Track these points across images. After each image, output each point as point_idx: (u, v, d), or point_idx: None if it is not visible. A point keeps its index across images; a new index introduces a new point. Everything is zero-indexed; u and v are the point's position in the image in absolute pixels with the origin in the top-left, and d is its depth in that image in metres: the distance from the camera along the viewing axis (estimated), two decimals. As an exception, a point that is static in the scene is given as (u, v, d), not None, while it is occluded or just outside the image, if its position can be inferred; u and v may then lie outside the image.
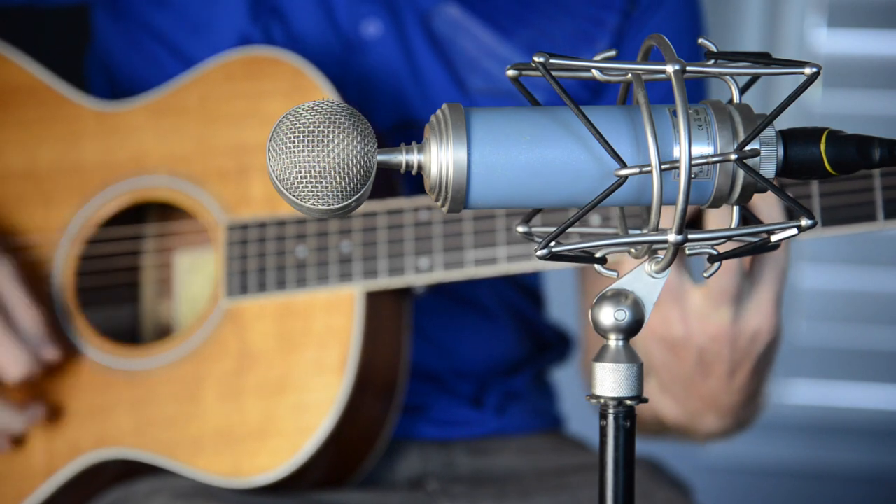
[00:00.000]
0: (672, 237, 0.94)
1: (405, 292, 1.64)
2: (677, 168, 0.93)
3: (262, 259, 1.62)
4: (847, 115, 3.03)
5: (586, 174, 0.96)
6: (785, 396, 3.16)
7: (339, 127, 0.94)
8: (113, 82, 1.80)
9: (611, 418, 0.98)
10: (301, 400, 1.59)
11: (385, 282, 1.59)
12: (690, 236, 0.95)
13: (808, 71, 0.94)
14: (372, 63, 1.71)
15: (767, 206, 1.41)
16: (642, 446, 1.71)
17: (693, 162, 0.94)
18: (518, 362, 1.84)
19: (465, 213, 1.58)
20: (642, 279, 0.99)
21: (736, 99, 0.98)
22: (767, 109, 0.96)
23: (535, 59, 0.94)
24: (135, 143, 1.69)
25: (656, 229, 0.96)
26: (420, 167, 0.96)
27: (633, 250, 1.01)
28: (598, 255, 1.00)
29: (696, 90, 1.77)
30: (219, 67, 1.67)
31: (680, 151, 0.93)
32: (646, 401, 0.99)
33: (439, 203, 0.96)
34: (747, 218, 1.04)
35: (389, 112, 1.72)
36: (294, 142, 0.93)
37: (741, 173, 0.96)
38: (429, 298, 1.71)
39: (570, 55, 0.96)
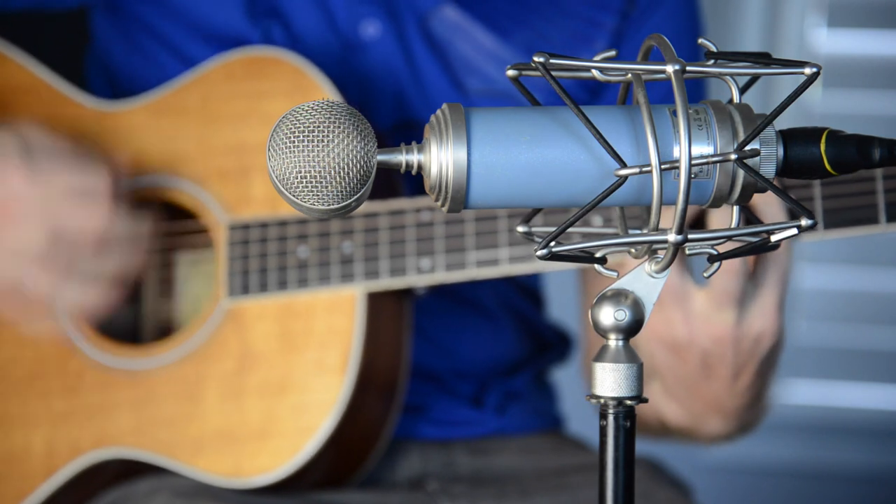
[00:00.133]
0: (672, 237, 0.94)
1: (406, 293, 1.64)
2: (677, 168, 0.93)
3: (264, 259, 1.62)
4: (847, 115, 3.03)
5: (586, 174, 0.96)
6: (785, 396, 3.16)
7: (339, 127, 0.94)
8: (113, 83, 1.80)
9: (611, 418, 0.98)
10: (302, 400, 1.59)
11: (386, 282, 1.59)
12: (690, 236, 0.95)
13: (808, 71, 0.94)
14: (372, 63, 1.71)
15: (768, 206, 1.41)
16: (642, 446, 1.71)
17: (693, 162, 0.94)
18: (518, 362, 1.84)
19: (466, 214, 1.58)
20: (642, 279, 0.99)
21: (736, 99, 0.98)
22: (767, 109, 0.96)
23: (535, 59, 0.94)
24: (135, 143, 1.69)
25: (656, 229, 0.96)
26: (420, 167, 0.96)
27: (633, 250, 1.01)
28: (598, 255, 1.00)
29: (695, 90, 1.77)
30: (220, 67, 1.67)
31: (680, 151, 0.93)
32: (646, 401, 0.99)
33: (439, 203, 0.96)
34: (749, 218, 1.04)
35: (389, 112, 1.72)
36: (294, 142, 0.93)
37: (741, 173, 0.96)
38: (429, 298, 1.71)
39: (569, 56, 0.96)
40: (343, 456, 1.63)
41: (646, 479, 1.69)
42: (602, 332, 0.99)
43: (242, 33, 1.71)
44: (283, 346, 1.61)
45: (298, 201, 0.94)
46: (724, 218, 1.37)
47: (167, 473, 1.62)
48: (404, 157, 0.96)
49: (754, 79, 0.98)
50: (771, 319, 1.46)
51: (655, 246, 0.98)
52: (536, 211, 1.02)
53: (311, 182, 0.93)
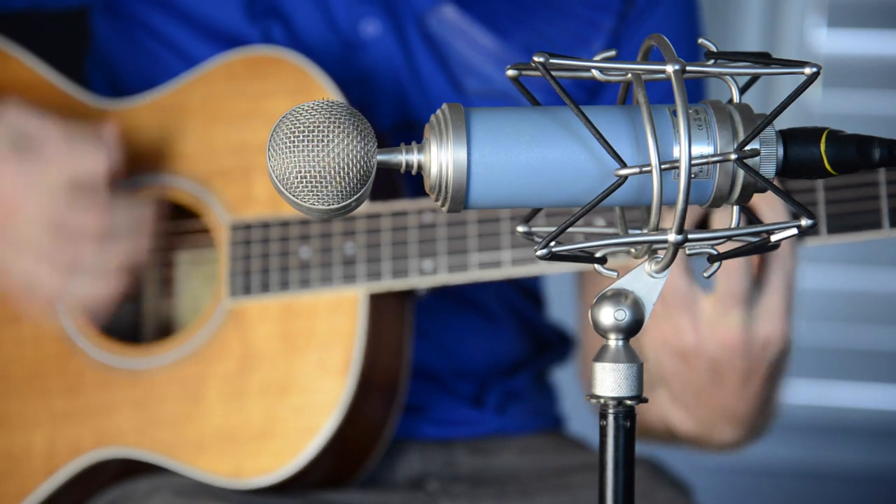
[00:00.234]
0: (672, 237, 0.94)
1: (408, 294, 1.64)
2: (677, 168, 0.93)
3: (266, 260, 1.62)
4: (847, 115, 3.03)
5: (586, 174, 0.96)
6: (785, 396, 3.16)
7: (339, 127, 0.94)
8: (115, 83, 1.79)
9: (611, 418, 0.98)
10: (304, 401, 1.59)
11: (389, 284, 1.59)
12: (690, 236, 0.95)
13: (808, 71, 0.94)
14: (372, 63, 1.71)
15: (769, 206, 1.41)
16: (642, 446, 1.70)
17: (693, 162, 0.94)
18: (518, 362, 1.84)
19: (469, 216, 1.57)
20: (642, 279, 0.99)
21: (736, 99, 0.98)
22: (767, 109, 0.96)
23: (535, 58, 0.94)
24: (137, 141, 1.69)
25: (656, 229, 0.96)
26: (420, 167, 0.96)
27: (633, 250, 1.01)
28: (598, 255, 1.00)
29: (695, 90, 1.77)
30: (222, 66, 1.67)
31: (680, 151, 0.93)
32: (645, 400, 0.99)
33: (439, 203, 0.96)
34: (749, 218, 1.04)
35: (390, 112, 1.72)
36: (294, 141, 0.93)
37: (741, 173, 0.96)
38: (430, 298, 1.71)
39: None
40: (344, 456, 1.63)
41: (646, 479, 1.69)
42: (602, 332, 0.99)
43: (242, 32, 1.71)
44: (285, 346, 1.61)
45: (298, 201, 0.94)
46: (728, 217, 1.37)
47: (167, 472, 1.62)
48: (404, 157, 0.96)
49: (754, 79, 0.98)
50: (778, 324, 1.45)
51: (655, 246, 0.98)
52: (536, 211, 1.02)
53: (311, 182, 0.93)
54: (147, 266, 1.68)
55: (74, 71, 1.77)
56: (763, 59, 0.96)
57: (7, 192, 1.57)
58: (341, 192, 0.94)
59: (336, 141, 0.93)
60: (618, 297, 0.99)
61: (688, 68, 0.95)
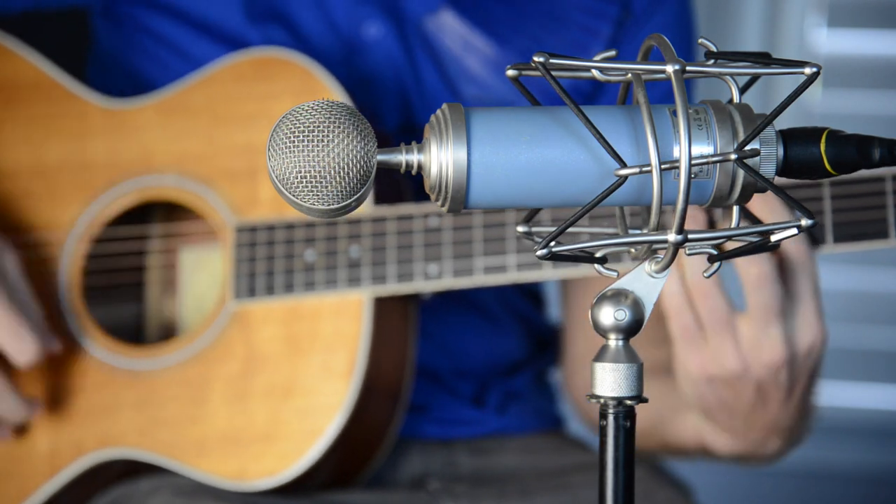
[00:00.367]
0: (672, 237, 0.94)
1: (412, 297, 1.64)
2: (677, 168, 0.93)
3: (271, 262, 1.62)
4: (847, 115, 3.03)
5: (586, 174, 0.96)
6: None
7: (339, 127, 0.94)
8: (116, 83, 1.79)
9: (611, 418, 0.98)
10: (308, 404, 1.59)
11: (394, 287, 1.59)
12: (690, 236, 0.95)
13: (808, 71, 0.94)
14: (375, 64, 1.71)
15: (770, 206, 1.41)
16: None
17: (693, 162, 0.94)
18: (519, 362, 1.84)
19: (474, 221, 1.57)
20: (642, 279, 0.99)
21: (736, 99, 0.98)
22: (767, 109, 0.96)
23: (535, 58, 0.94)
24: (143, 142, 1.69)
25: (656, 229, 0.96)
26: (420, 167, 0.96)
27: (632, 250, 1.01)
28: (598, 255, 1.00)
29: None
30: (228, 68, 1.67)
31: (680, 151, 0.93)
32: (646, 400, 0.99)
33: (439, 203, 0.96)
34: (750, 218, 1.04)
35: (394, 114, 1.72)
36: (294, 141, 0.93)
37: (741, 173, 0.96)
38: (433, 300, 1.71)
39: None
40: (348, 459, 1.63)
41: (646, 479, 1.69)
42: (602, 332, 0.99)
43: (242, 33, 1.71)
44: (289, 349, 1.60)
45: (298, 201, 0.94)
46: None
47: (169, 472, 1.62)
48: (404, 157, 0.96)
49: (754, 79, 0.98)
50: (817, 329, 1.44)
51: (655, 246, 0.98)
52: (536, 211, 1.02)
53: (311, 182, 0.93)
54: (146, 277, 1.68)
55: (75, 72, 1.77)
56: (763, 59, 0.96)
57: None
58: (341, 191, 0.94)
59: (336, 141, 0.93)
60: (618, 297, 0.99)
61: (688, 68, 0.95)
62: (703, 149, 0.96)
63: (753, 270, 1.39)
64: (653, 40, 0.97)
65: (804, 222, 0.96)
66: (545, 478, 1.73)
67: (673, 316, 1.42)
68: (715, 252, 1.00)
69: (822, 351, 1.46)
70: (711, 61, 0.97)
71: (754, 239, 0.98)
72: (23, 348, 1.58)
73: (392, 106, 1.72)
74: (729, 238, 0.97)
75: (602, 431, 0.98)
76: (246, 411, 1.61)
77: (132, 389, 1.64)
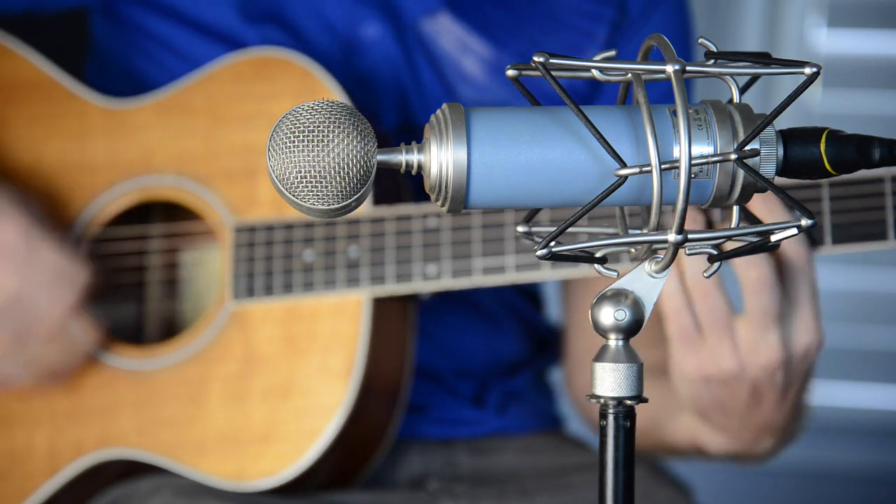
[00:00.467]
0: (672, 237, 0.94)
1: (411, 298, 1.64)
2: (677, 168, 0.93)
3: (269, 262, 1.62)
4: (847, 115, 3.03)
5: (586, 174, 0.96)
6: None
7: (339, 126, 0.94)
8: (115, 84, 1.79)
9: (611, 418, 0.98)
10: (306, 404, 1.59)
11: (392, 288, 1.59)
12: (690, 236, 0.95)
13: (808, 71, 0.94)
14: (373, 65, 1.71)
15: (769, 206, 1.41)
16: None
17: (693, 162, 0.94)
18: (519, 362, 1.84)
19: (473, 221, 1.57)
20: (642, 279, 0.99)
21: (736, 99, 0.98)
22: (767, 109, 0.96)
23: (535, 58, 0.94)
24: (142, 142, 1.69)
25: (656, 229, 0.96)
26: (420, 167, 0.96)
27: (632, 250, 1.01)
28: (598, 255, 1.00)
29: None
30: (227, 68, 1.67)
31: (680, 151, 0.93)
32: (646, 400, 0.99)
33: (439, 203, 0.96)
34: (750, 218, 1.04)
35: (393, 114, 1.72)
36: (294, 141, 0.93)
37: (741, 173, 0.96)
38: (432, 301, 1.71)
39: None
40: (347, 459, 1.63)
41: (646, 479, 1.69)
42: (602, 332, 0.99)
43: (239, 33, 1.71)
44: (288, 349, 1.60)
45: (298, 201, 0.94)
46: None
47: (168, 473, 1.62)
48: (404, 157, 0.96)
49: (754, 79, 0.98)
50: (813, 332, 1.44)
51: (655, 246, 0.98)
52: (536, 211, 1.02)
53: (311, 182, 0.93)
54: (145, 277, 1.68)
55: (74, 73, 1.77)
56: (763, 59, 0.96)
57: (7, 239, 1.59)
58: (341, 191, 0.94)
59: (336, 141, 0.93)
60: (618, 297, 0.99)
61: (688, 68, 0.95)
62: (703, 149, 0.96)
63: (753, 274, 1.39)
64: (653, 40, 0.97)
65: (804, 222, 0.96)
66: (545, 478, 1.73)
67: (671, 317, 1.42)
68: (715, 252, 1.00)
69: (817, 353, 1.46)
70: (711, 61, 0.97)
71: (754, 239, 0.98)
72: (75, 272, 1.60)
73: (390, 106, 1.71)
74: (729, 238, 0.97)
75: (602, 431, 0.98)
76: (245, 411, 1.61)
77: (131, 389, 1.64)
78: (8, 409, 1.67)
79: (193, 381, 1.62)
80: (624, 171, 0.94)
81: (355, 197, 0.94)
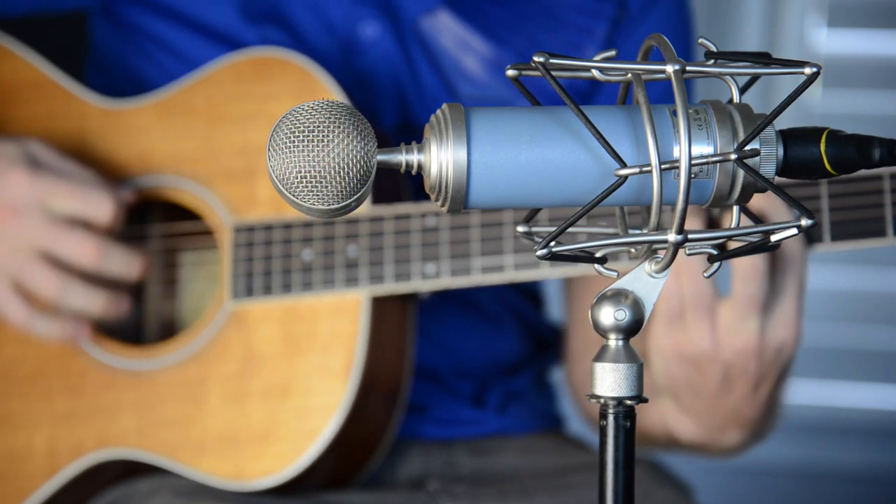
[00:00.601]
0: (672, 237, 0.94)
1: (410, 297, 1.64)
2: (677, 168, 0.93)
3: (268, 262, 1.62)
4: (847, 115, 3.03)
5: (586, 174, 0.96)
6: (785, 396, 3.15)
7: (339, 127, 0.94)
8: (114, 85, 1.79)
9: (611, 418, 0.98)
10: (305, 404, 1.59)
11: (391, 287, 1.59)
12: (690, 236, 0.95)
13: (808, 71, 0.94)
14: (372, 64, 1.71)
15: (771, 206, 1.41)
16: (641, 450, 1.70)
17: (693, 162, 0.94)
18: (519, 362, 1.84)
19: (472, 220, 1.57)
20: (642, 279, 0.99)
21: (736, 99, 0.98)
22: (767, 109, 0.96)
23: (535, 58, 0.94)
24: (141, 142, 1.69)
25: (656, 229, 0.96)
26: (420, 167, 0.96)
27: (633, 250, 1.01)
28: (598, 255, 1.00)
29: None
30: (226, 68, 1.67)
31: (680, 151, 0.93)
32: (646, 400, 0.99)
33: (439, 203, 0.96)
34: (750, 218, 1.04)
35: (392, 114, 1.72)
36: (294, 141, 0.93)
37: (741, 173, 0.96)
38: (431, 300, 1.71)
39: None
40: (346, 459, 1.63)
41: (646, 479, 1.69)
42: (602, 332, 0.99)
43: (239, 34, 1.71)
44: (287, 349, 1.60)
45: (298, 201, 0.94)
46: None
47: (168, 473, 1.62)
48: (404, 157, 0.96)
49: (754, 79, 0.98)
50: (793, 327, 1.45)
51: (655, 246, 0.98)
52: (536, 211, 1.02)
53: (311, 182, 0.93)
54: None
55: (74, 73, 1.77)
56: (763, 59, 0.96)
57: (11, 198, 1.58)
58: (341, 192, 0.94)
59: (336, 141, 0.93)
60: (618, 297, 0.99)
61: (688, 68, 0.95)
62: (703, 149, 0.96)
63: (746, 262, 1.40)
64: (652, 40, 0.97)
65: (804, 222, 0.96)
66: (545, 478, 1.73)
67: (664, 298, 1.44)
68: (715, 252, 1.00)
69: (793, 350, 1.47)
70: (711, 61, 0.97)
71: (754, 239, 0.98)
72: (99, 207, 1.59)
73: (389, 105, 1.71)
74: (729, 238, 0.97)
75: (602, 431, 0.98)
76: (244, 411, 1.61)
77: (131, 389, 1.64)
78: (8, 409, 1.67)
79: (193, 381, 1.62)
80: (624, 171, 0.94)
81: (355, 197, 0.94)
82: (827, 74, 2.94)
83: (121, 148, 1.69)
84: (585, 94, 1.72)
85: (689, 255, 0.99)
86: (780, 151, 0.97)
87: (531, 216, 1.03)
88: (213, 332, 1.63)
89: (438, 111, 0.96)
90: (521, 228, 1.01)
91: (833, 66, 3.00)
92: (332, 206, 0.94)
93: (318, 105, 0.94)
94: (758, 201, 1.39)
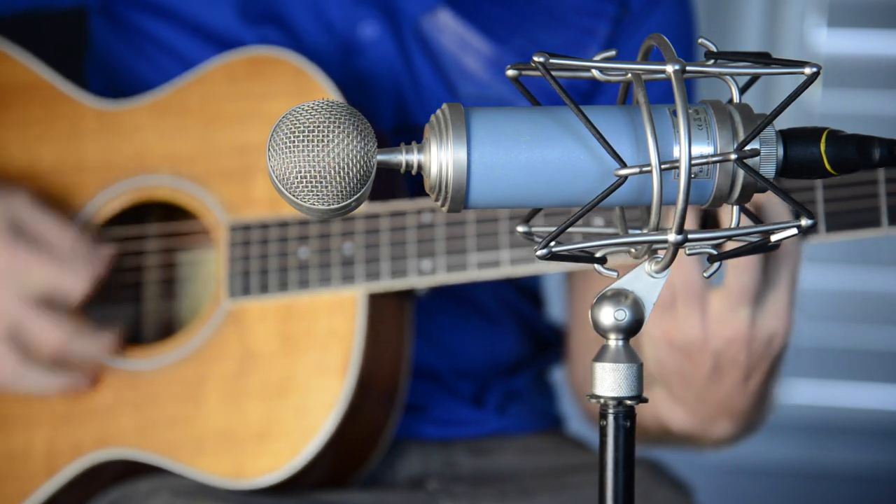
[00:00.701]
0: (672, 237, 0.94)
1: (407, 294, 1.64)
2: (677, 168, 0.93)
3: (265, 260, 1.62)
4: (847, 115, 3.03)
5: (586, 174, 0.96)
6: (785, 396, 3.16)
7: (339, 127, 0.94)
8: (115, 83, 1.79)
9: (611, 418, 0.98)
10: (303, 402, 1.59)
11: (387, 284, 1.59)
12: (690, 236, 0.95)
13: (808, 71, 0.94)
14: (371, 65, 1.71)
15: (772, 205, 1.42)
16: (642, 447, 1.70)
17: (693, 162, 0.94)
18: (518, 362, 1.84)
19: (467, 216, 1.57)
20: (642, 279, 0.99)
21: (736, 99, 0.98)
22: (767, 109, 0.96)
23: (535, 58, 0.94)
24: (137, 143, 1.69)
25: (656, 229, 0.96)
26: (420, 167, 0.96)
27: (633, 250, 1.01)
28: (598, 255, 1.00)
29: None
30: (221, 67, 1.67)
31: (680, 151, 0.93)
32: (646, 400, 0.99)
33: (439, 203, 0.96)
34: (750, 217, 1.04)
35: (390, 114, 1.72)
36: (294, 141, 0.93)
37: (741, 173, 0.96)
38: (429, 298, 1.71)
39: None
40: (344, 457, 1.63)
41: (646, 479, 1.69)
42: (602, 332, 0.99)
43: (237, 35, 1.71)
44: (284, 347, 1.61)
45: (298, 201, 0.94)
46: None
47: (167, 473, 1.62)
48: (404, 157, 0.96)
49: (754, 79, 0.98)
50: (783, 319, 1.45)
51: (655, 246, 0.98)
52: (536, 211, 1.02)
53: (311, 182, 0.93)
54: (143, 277, 1.68)
55: (74, 71, 1.77)
56: (763, 59, 0.96)
57: None
58: (341, 192, 0.94)
59: (336, 141, 0.93)
60: (618, 297, 0.99)
61: (688, 68, 0.95)
62: (703, 149, 0.96)
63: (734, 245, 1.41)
64: (653, 40, 0.97)
65: (804, 222, 0.96)
66: (545, 478, 1.73)
67: None
68: (715, 252, 1.00)
69: (784, 342, 1.47)
70: (711, 61, 0.97)
71: (754, 239, 0.98)
72: (73, 285, 1.60)
73: (387, 106, 1.72)
74: (729, 238, 0.97)
75: (602, 431, 0.98)
76: (242, 410, 1.61)
77: (129, 389, 1.64)
78: (6, 410, 1.67)
79: (191, 380, 1.62)
80: (624, 171, 0.94)
81: (355, 197, 0.94)
82: (827, 74, 2.94)
83: (116, 148, 1.69)
84: (586, 94, 1.72)
85: (689, 254, 0.99)
86: (780, 151, 0.97)
87: (531, 216, 1.03)
88: (210, 331, 1.63)
89: (438, 111, 0.96)
90: (520, 228, 1.01)
91: (833, 66, 3.00)
92: (332, 206, 0.94)
93: (318, 105, 0.94)
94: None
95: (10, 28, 1.78)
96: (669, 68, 0.93)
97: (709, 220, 1.44)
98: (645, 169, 0.93)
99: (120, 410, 1.64)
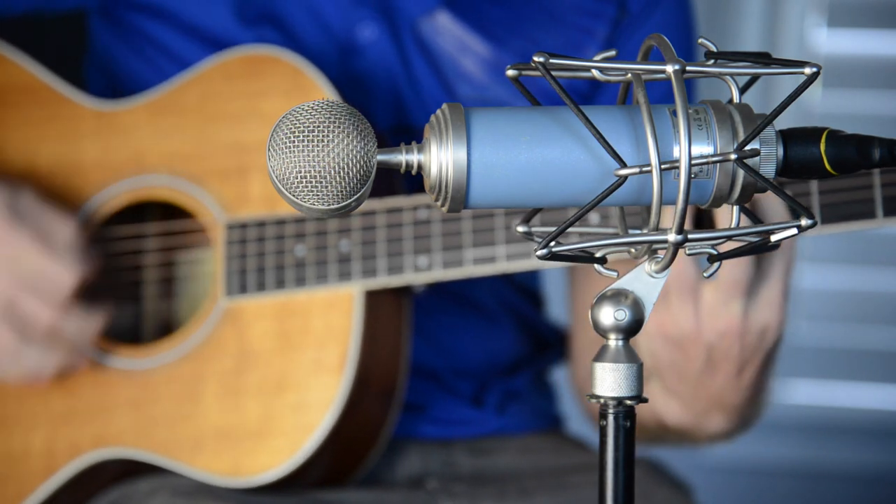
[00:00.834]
0: (672, 237, 0.94)
1: (405, 291, 1.64)
2: (677, 168, 0.93)
3: (261, 258, 1.63)
4: (847, 115, 3.03)
5: (586, 174, 0.96)
6: (785, 396, 3.16)
7: (339, 127, 0.94)
8: (114, 84, 1.80)
9: (611, 418, 0.98)
10: (300, 399, 1.59)
11: (384, 280, 1.59)
12: (690, 236, 0.95)
13: (808, 71, 0.94)
14: (369, 66, 1.71)
15: (772, 205, 1.42)
16: (642, 447, 1.70)
17: (693, 162, 0.94)
18: (518, 362, 1.84)
19: (464, 212, 1.58)
20: (642, 279, 0.99)
21: (736, 99, 0.98)
22: (767, 109, 0.96)
23: (535, 58, 0.94)
24: (134, 142, 1.69)
25: (656, 229, 0.96)
26: (420, 167, 0.96)
27: (633, 250, 1.01)
28: (597, 254, 1.00)
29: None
30: (218, 66, 1.67)
31: (680, 151, 0.93)
32: (646, 400, 0.99)
33: (439, 203, 0.96)
34: (749, 217, 1.04)
35: (387, 115, 1.72)
36: (294, 141, 0.93)
37: (741, 173, 0.96)
38: (428, 298, 1.71)
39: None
40: (342, 455, 1.63)
41: (646, 479, 1.69)
42: (602, 332, 0.99)
43: (235, 36, 1.71)
44: (282, 344, 1.61)
45: (298, 201, 0.94)
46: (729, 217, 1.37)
47: (167, 473, 1.63)
48: (404, 157, 0.96)
49: (754, 79, 0.98)
50: (776, 312, 1.46)
51: (655, 246, 0.98)
52: (536, 211, 1.02)
53: (311, 182, 0.93)
54: (141, 277, 1.68)
55: (74, 72, 1.77)
56: (763, 59, 0.96)
57: None
58: (341, 192, 0.94)
59: (336, 141, 0.93)
60: (618, 297, 0.99)
61: (688, 68, 0.95)
62: (703, 149, 0.96)
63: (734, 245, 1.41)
64: (653, 40, 0.97)
65: (804, 222, 0.96)
66: (544, 478, 1.73)
67: None
68: (715, 252, 1.00)
69: (777, 335, 1.47)
70: (711, 61, 0.97)
71: (754, 239, 0.98)
72: (61, 278, 1.59)
73: (385, 107, 1.72)
74: (729, 238, 0.97)
75: (602, 431, 0.98)
76: (239, 407, 1.61)
77: (127, 388, 1.64)
78: (4, 410, 1.67)
79: (188, 378, 1.62)
80: (624, 171, 0.94)
81: (355, 197, 0.94)
82: (827, 74, 2.94)
83: (113, 148, 1.69)
84: (586, 95, 1.72)
85: (690, 254, 0.99)
86: (780, 151, 0.97)
87: (531, 216, 1.03)
88: (207, 329, 1.63)
89: (438, 111, 0.96)
90: (520, 229, 1.01)
91: (833, 66, 3.00)
92: (331, 206, 0.94)
93: (318, 105, 0.94)
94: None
95: (11, 30, 1.78)
96: (669, 68, 0.93)
97: (703, 219, 1.44)
98: (645, 169, 0.93)
99: (118, 410, 1.64)
